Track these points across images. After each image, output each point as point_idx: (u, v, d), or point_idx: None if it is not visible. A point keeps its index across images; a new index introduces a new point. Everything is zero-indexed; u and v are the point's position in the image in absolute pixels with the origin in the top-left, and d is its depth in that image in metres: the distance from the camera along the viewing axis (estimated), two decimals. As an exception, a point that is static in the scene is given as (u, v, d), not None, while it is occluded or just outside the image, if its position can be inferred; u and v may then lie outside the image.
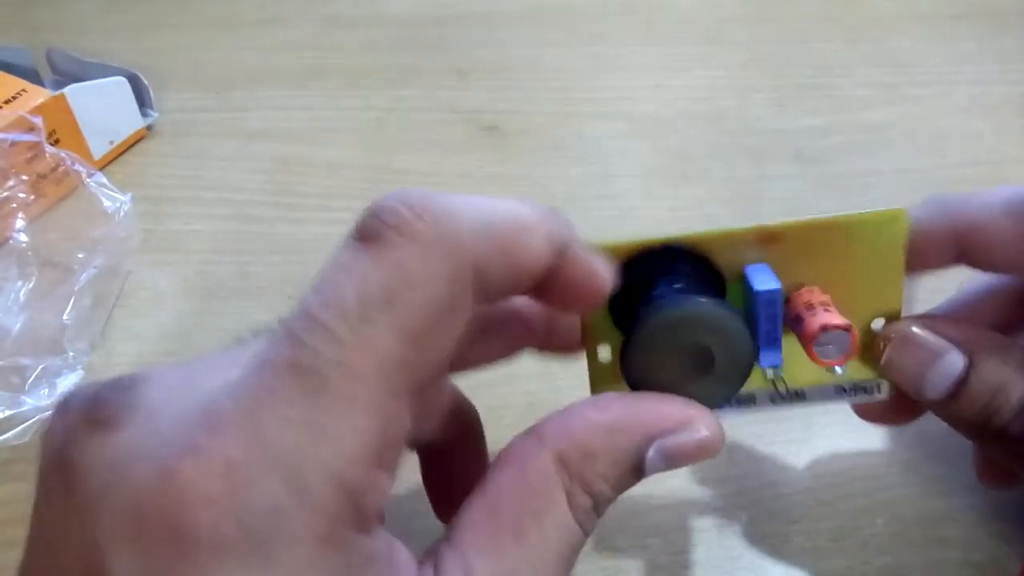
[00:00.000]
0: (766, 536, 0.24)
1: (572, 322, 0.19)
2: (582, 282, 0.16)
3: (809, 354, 0.19)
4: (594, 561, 0.24)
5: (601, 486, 0.16)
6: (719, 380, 0.18)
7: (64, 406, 0.14)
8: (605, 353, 0.20)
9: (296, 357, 0.13)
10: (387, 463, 0.14)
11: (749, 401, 0.20)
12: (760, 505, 0.25)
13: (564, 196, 0.36)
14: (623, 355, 0.18)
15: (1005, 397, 0.19)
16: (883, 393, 0.21)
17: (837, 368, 0.19)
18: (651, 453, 0.16)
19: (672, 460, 0.16)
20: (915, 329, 0.20)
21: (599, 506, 0.16)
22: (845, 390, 0.21)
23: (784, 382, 0.20)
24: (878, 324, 0.20)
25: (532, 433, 0.16)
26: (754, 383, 0.20)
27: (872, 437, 0.26)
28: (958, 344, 0.20)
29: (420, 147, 0.39)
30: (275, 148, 0.39)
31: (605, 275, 0.17)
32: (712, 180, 0.37)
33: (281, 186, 0.37)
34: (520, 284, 0.16)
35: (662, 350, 0.18)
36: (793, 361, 0.20)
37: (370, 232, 0.14)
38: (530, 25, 0.47)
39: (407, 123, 0.40)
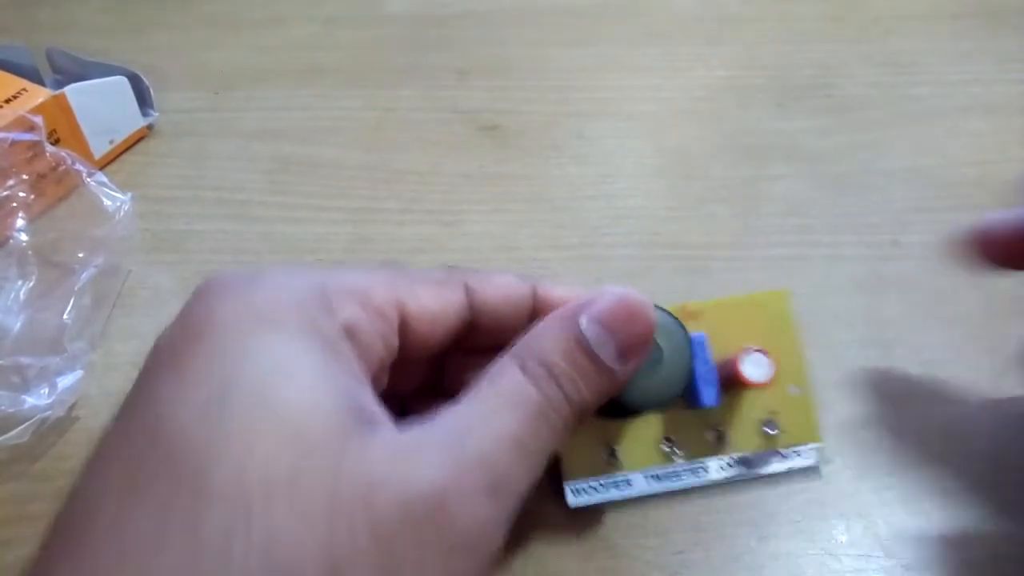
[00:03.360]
0: (767, 536, 0.24)
1: None
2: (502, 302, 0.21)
3: (740, 379, 0.21)
4: (594, 561, 0.24)
5: (550, 357, 0.19)
6: (667, 378, 0.21)
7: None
8: None
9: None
10: (371, 309, 0.19)
11: (701, 470, 0.23)
12: (761, 506, 0.25)
13: (564, 196, 0.36)
14: None
15: None
16: (814, 459, 0.23)
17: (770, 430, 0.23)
18: (584, 323, 0.19)
19: (606, 323, 0.19)
20: None
21: (559, 376, 0.18)
22: (782, 455, 0.23)
23: (728, 443, 0.23)
24: (793, 391, 0.23)
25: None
26: (703, 452, 0.23)
27: (872, 437, 0.26)
28: None
29: (420, 147, 0.39)
30: (275, 148, 0.39)
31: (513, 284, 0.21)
32: (712, 180, 0.37)
33: (281, 186, 0.37)
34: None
35: None
36: (738, 432, 0.23)
37: None
38: (530, 25, 0.47)
39: (407, 123, 0.40)
